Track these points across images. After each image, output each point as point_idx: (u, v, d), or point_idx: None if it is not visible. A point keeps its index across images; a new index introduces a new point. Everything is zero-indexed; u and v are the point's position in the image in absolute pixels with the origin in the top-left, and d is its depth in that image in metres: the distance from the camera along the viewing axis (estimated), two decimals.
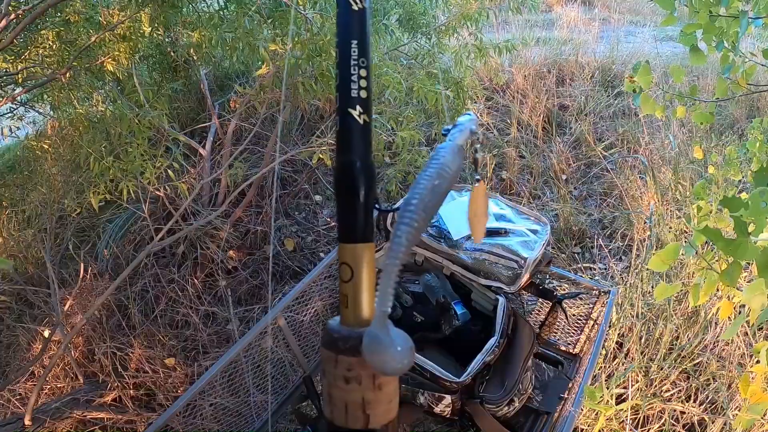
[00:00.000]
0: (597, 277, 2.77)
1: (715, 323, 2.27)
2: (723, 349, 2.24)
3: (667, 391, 2.12)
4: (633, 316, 2.34)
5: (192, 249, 2.86)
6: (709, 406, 2.08)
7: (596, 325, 1.90)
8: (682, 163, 3.28)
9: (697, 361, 2.18)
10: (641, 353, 2.22)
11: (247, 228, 3.05)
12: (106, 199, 2.28)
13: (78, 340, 2.56)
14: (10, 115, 2.80)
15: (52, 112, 2.80)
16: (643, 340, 2.26)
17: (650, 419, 2.03)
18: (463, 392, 1.54)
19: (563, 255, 2.95)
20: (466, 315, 1.72)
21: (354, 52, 0.56)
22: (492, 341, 1.59)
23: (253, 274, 2.89)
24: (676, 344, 2.25)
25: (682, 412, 2.06)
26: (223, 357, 1.69)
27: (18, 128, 2.85)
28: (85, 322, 2.41)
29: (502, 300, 1.70)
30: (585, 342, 1.95)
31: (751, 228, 0.97)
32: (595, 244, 3.00)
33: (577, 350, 1.97)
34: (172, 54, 2.90)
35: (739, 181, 2.44)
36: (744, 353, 2.19)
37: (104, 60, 2.19)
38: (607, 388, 2.05)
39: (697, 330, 2.26)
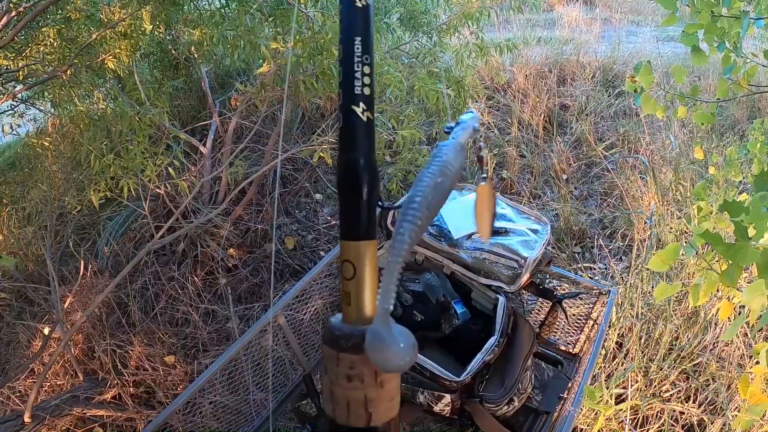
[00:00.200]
0: (597, 277, 2.77)
1: (715, 324, 2.27)
2: (723, 350, 2.24)
3: (667, 391, 2.12)
4: (633, 316, 2.34)
5: (192, 247, 2.86)
6: (709, 407, 2.08)
7: (596, 325, 1.90)
8: (683, 163, 3.28)
9: (696, 361, 2.18)
10: (641, 353, 2.21)
11: (248, 226, 3.05)
12: (107, 196, 2.28)
13: (78, 338, 2.56)
14: (10, 112, 2.80)
15: (52, 110, 2.80)
16: (642, 341, 2.26)
17: (649, 419, 2.03)
18: (463, 391, 1.54)
19: (563, 255, 2.95)
20: (466, 314, 1.72)
21: (357, 48, 0.55)
22: (492, 340, 1.59)
23: (253, 272, 2.89)
24: (675, 344, 2.25)
25: (682, 413, 2.06)
26: (223, 355, 1.69)
27: (19, 125, 2.85)
28: (85, 320, 2.41)
29: (502, 299, 1.70)
30: (585, 342, 1.94)
31: (751, 232, 0.97)
32: (596, 244, 3.00)
33: (576, 350, 1.97)
34: (173, 52, 2.90)
35: (740, 182, 2.45)
36: (743, 354, 2.19)
37: (105, 57, 2.18)
38: (607, 388, 2.05)
39: (697, 330, 2.26)
